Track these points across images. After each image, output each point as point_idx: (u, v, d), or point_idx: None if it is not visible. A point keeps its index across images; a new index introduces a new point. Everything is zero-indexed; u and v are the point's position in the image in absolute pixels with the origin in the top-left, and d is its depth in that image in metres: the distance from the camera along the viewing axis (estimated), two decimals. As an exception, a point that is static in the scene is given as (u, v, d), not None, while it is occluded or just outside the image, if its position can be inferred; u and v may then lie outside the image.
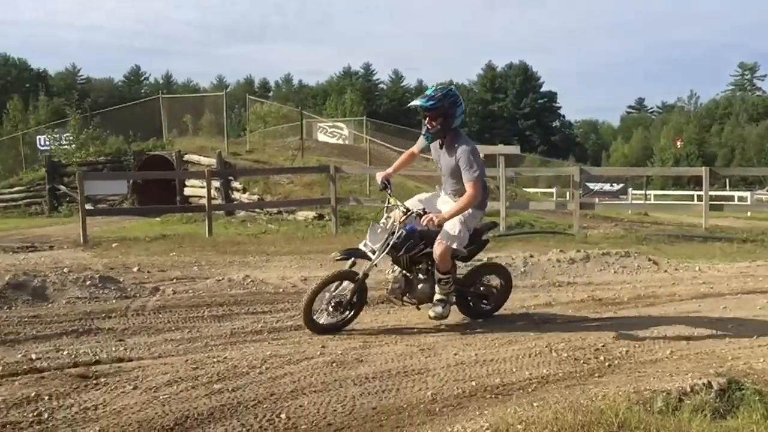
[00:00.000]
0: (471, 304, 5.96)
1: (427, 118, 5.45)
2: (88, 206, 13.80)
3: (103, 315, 5.82)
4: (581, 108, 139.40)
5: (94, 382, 4.07)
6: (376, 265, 5.47)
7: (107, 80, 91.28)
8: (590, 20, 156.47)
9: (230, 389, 4.00)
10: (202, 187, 16.95)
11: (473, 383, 4.26)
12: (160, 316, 5.87)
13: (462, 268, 6.01)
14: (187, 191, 19.70)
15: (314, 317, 5.41)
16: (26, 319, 5.55)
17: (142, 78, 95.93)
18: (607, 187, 31.73)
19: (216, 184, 17.79)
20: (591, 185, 26.37)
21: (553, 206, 18.97)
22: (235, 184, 18.75)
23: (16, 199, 22.47)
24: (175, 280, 7.69)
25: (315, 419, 3.64)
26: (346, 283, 5.47)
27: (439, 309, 5.57)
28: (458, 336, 5.47)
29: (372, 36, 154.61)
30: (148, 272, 8.42)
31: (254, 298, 6.63)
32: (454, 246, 5.41)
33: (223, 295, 6.70)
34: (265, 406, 3.79)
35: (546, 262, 8.77)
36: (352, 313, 5.54)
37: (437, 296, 5.59)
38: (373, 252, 5.38)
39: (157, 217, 17.48)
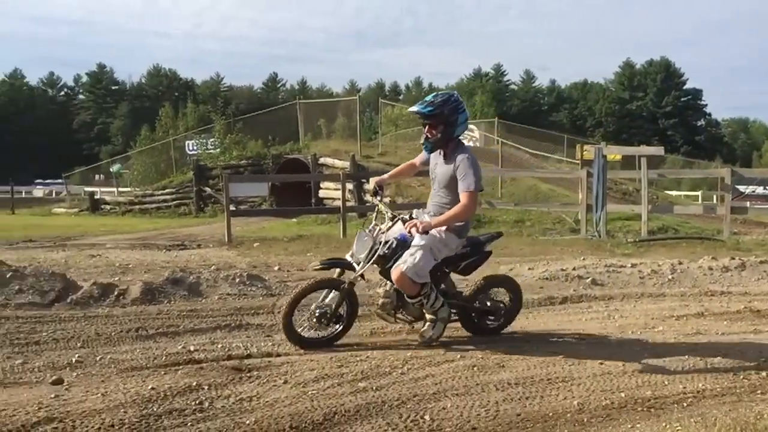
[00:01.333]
0: (476, 320, 5.44)
1: (427, 127, 5.05)
2: (231, 207, 14.56)
3: (252, 311, 6.12)
4: (730, 106, 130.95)
5: (248, 374, 4.28)
6: (363, 276, 5.16)
7: (247, 87, 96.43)
8: (740, 10, 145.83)
9: (374, 388, 4.07)
10: (336, 189, 17.43)
11: (622, 394, 4.08)
12: (305, 314, 6.07)
13: (452, 276, 5.56)
14: (321, 193, 20.32)
15: (298, 330, 4.99)
16: (184, 313, 5.94)
17: (279, 84, 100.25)
18: (760, 190, 29.46)
19: (349, 186, 18.22)
20: (741, 188, 24.57)
21: (700, 210, 17.88)
22: (368, 187, 19.06)
23: (167, 201, 24.15)
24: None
25: (459, 422, 3.62)
26: (333, 293, 5.03)
27: (428, 332, 5.10)
28: (602, 345, 5.26)
29: (502, 36, 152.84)
30: (288, 271, 8.78)
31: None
32: (410, 275, 4.81)
33: (362, 295, 6.83)
34: (408, 406, 3.82)
35: (696, 269, 8.28)
36: (340, 327, 5.08)
37: (428, 317, 5.13)
38: (359, 263, 4.99)
39: (293, 218, 18.16)
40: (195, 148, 28.08)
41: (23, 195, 40.84)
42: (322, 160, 21.06)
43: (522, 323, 5.86)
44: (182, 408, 3.65)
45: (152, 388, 3.91)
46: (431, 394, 4.01)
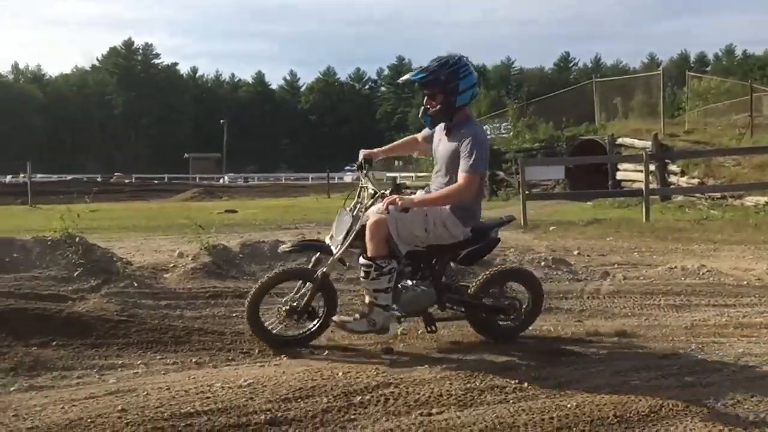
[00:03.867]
0: (485, 318, 4.67)
1: (426, 98, 4.40)
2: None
3: (560, 296, 6.09)
4: None
5: (563, 359, 4.28)
6: (343, 262, 4.62)
7: (538, 69, 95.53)
8: None
9: (702, 384, 3.80)
10: (637, 171, 16.50)
11: None
12: (615, 300, 5.91)
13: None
14: (619, 175, 19.39)
15: (267, 326, 4.46)
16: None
17: (571, 64, 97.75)
18: None
19: (651, 167, 17.12)
20: None
21: None
22: (672, 168, 17.75)
23: (462, 185, 25.03)
24: (616, 265, 7.64)
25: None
26: (307, 285, 4.44)
27: (356, 323, 4.33)
28: None
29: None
30: (588, 256, 8.54)
31: (714, 289, 6.21)
32: (391, 227, 4.15)
33: (678, 284, 6.43)
34: (745, 407, 3.49)
35: None
36: (315, 324, 4.47)
37: (367, 300, 4.37)
38: (338, 246, 4.38)
39: (588, 202, 17.59)
40: (489, 133, 28.67)
41: (336, 180, 45.56)
42: (620, 141, 20.10)
43: None
44: (503, 385, 3.78)
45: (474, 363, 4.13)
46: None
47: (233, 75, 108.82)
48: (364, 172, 4.65)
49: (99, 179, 46.58)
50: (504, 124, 27.07)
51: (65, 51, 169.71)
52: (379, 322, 4.29)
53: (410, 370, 4.01)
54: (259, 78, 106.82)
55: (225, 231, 10.46)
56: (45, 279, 5.66)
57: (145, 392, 3.62)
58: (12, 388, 3.72)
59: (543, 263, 7.08)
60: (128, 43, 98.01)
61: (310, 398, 3.52)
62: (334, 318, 4.37)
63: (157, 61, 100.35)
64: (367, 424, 3.26)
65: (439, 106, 4.34)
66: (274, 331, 4.47)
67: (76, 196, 16.10)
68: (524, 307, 4.70)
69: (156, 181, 45.85)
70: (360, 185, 4.58)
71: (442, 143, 4.44)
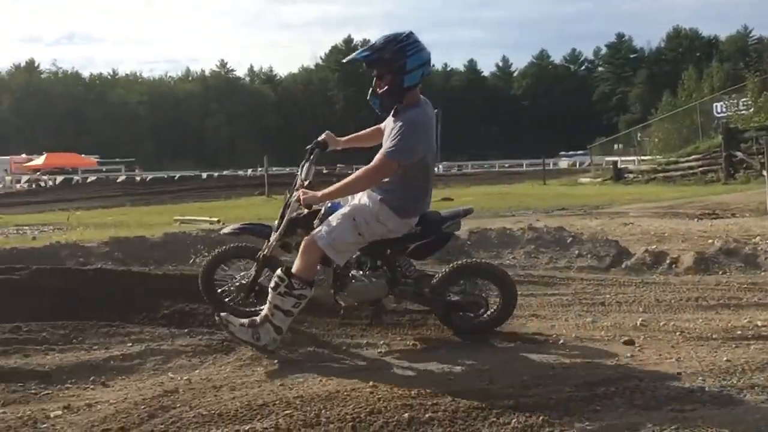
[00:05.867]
0: (448, 315, 4.47)
1: (375, 79, 4.01)
2: (773, 173, 13.09)
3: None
4: None
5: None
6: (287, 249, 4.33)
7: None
8: None
9: None
10: None
11: None
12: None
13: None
14: None
15: (220, 293, 4.54)
16: (745, 286, 5.65)
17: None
18: None
19: None
20: None
21: None
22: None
23: (693, 167, 23.20)
24: None
25: None
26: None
27: (239, 329, 4.03)
28: None
29: None
30: None
31: None
32: (320, 243, 3.93)
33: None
34: None
35: None
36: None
37: (264, 312, 4.03)
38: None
39: None
40: (724, 110, 26.20)
41: (551, 167, 44.42)
42: None
43: None
44: (764, 384, 3.48)
45: (727, 360, 3.84)
46: None
47: (446, 65, 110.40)
48: (311, 158, 4.34)
49: (324, 171, 49.83)
50: (743, 99, 24.56)
51: (293, 52, 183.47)
52: (263, 340, 4.05)
53: (655, 365, 3.84)
54: (471, 66, 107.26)
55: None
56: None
57: (391, 370, 3.86)
58: (276, 361, 4.15)
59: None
60: (347, 41, 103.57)
61: (550, 386, 3.51)
62: (222, 314, 4.17)
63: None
64: (613, 416, 3.17)
65: (386, 87, 4.02)
66: (226, 299, 4.58)
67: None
68: (491, 305, 4.51)
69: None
70: (301, 170, 4.33)
71: (388, 127, 4.13)
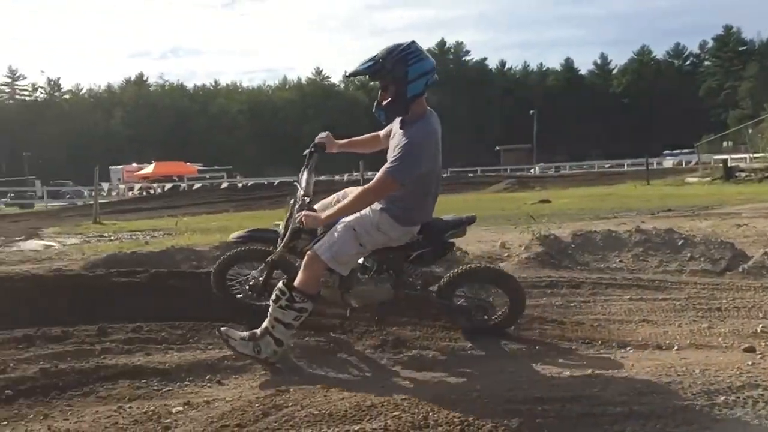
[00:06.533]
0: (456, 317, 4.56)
1: (380, 91, 4.00)
2: None
3: None
4: None
5: None
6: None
7: None
8: None
9: None
10: None
11: None
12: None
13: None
14: None
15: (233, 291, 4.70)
16: None
17: None
18: None
19: None
20: None
21: None
22: None
23: None
24: None
25: None
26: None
27: (240, 343, 4.02)
28: None
29: None
30: None
31: None
32: (323, 256, 3.92)
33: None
34: None
35: None
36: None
37: (264, 325, 4.00)
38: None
39: None
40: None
41: (654, 166, 42.73)
42: None
43: None
44: None
45: None
46: None
47: (541, 64, 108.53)
48: (310, 165, 4.26)
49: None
50: None
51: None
52: (264, 353, 3.99)
53: (782, 373, 3.62)
54: (568, 64, 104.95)
55: (542, 221, 10.50)
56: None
57: (498, 375, 3.82)
58: (382, 362, 4.22)
59: None
60: (440, 44, 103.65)
61: (666, 394, 3.37)
62: (222, 328, 4.12)
63: (467, 58, 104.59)
64: (735, 426, 3.02)
65: (390, 98, 3.96)
66: (238, 296, 4.71)
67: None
68: (497, 310, 4.50)
69: (471, 174, 47.72)
70: (300, 176, 4.27)
71: (395, 137, 4.04)
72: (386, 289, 4.29)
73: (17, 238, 13.27)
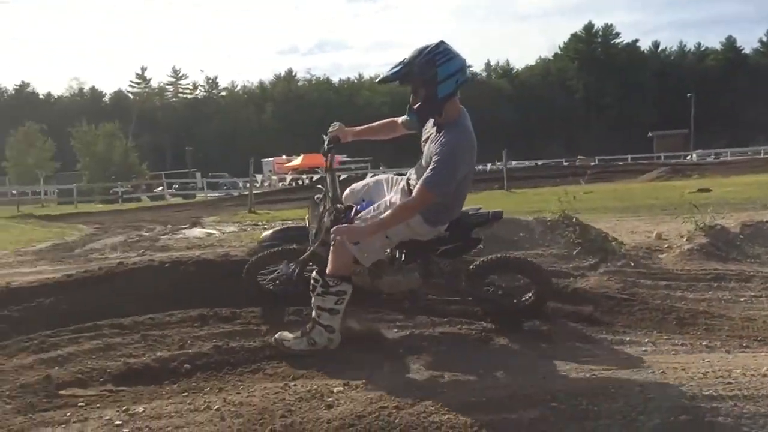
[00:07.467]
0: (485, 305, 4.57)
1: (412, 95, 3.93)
2: None
3: None
4: None
5: None
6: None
7: None
8: None
9: None
10: None
11: None
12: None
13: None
14: None
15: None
16: None
17: None
18: None
19: None
20: None
21: None
22: None
23: None
24: None
25: None
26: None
27: (295, 342, 4.07)
28: None
29: None
30: None
31: None
32: (352, 251, 3.92)
33: None
34: None
35: None
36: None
37: (312, 317, 4.06)
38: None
39: None
40: None
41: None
42: None
43: None
44: None
45: None
46: None
47: (699, 44, 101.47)
48: (328, 159, 4.32)
49: (565, 163, 48.53)
50: None
51: (530, 43, 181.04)
52: (320, 343, 4.05)
53: None
54: (730, 44, 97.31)
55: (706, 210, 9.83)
56: (548, 256, 6.15)
57: (661, 370, 3.65)
58: (535, 352, 4.15)
59: None
60: (588, 27, 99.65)
61: None
62: (276, 336, 4.15)
63: (617, 40, 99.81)
64: None
65: (420, 101, 3.91)
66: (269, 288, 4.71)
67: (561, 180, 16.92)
68: (525, 295, 4.49)
69: (620, 162, 45.62)
70: (324, 182, 4.28)
71: (431, 139, 4.00)
72: (414, 278, 4.33)
73: (182, 227, 14.39)
